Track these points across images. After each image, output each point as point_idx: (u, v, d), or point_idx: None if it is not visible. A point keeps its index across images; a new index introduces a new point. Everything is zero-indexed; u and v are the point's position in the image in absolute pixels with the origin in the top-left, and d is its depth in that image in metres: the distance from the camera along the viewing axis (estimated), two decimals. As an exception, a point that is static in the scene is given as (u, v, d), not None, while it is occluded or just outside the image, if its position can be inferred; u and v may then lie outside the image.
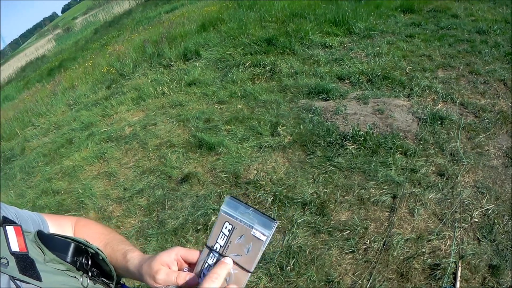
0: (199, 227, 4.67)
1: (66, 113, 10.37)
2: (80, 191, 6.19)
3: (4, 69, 45.26)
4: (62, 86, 13.55)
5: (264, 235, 1.04)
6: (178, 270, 1.17)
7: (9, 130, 10.93)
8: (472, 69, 6.44)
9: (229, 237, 1.08)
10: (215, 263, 1.09)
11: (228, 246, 1.08)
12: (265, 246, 1.05)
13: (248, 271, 1.07)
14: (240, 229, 1.06)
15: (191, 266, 1.16)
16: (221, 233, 1.09)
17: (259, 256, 1.05)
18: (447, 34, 7.88)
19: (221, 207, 1.10)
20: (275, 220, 1.04)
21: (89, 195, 5.99)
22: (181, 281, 1.12)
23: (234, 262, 1.07)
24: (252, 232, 1.05)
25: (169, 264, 1.16)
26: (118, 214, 5.48)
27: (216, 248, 1.09)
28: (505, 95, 5.71)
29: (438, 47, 7.45)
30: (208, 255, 1.11)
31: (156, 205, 5.38)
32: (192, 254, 1.15)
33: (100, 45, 20.65)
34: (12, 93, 21.89)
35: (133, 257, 1.30)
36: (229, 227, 1.08)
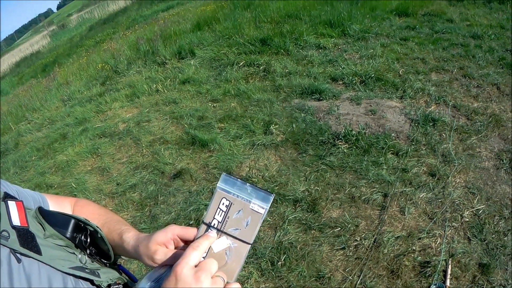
0: (191, 222, 4.68)
1: (60, 108, 10.35)
2: (73, 185, 6.18)
3: (-2, 64, 45.09)
4: (56, 82, 13.55)
5: (263, 208, 1.07)
6: (175, 248, 1.18)
7: (3, 125, 10.88)
8: (466, 72, 6.50)
9: (227, 213, 1.10)
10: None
11: (226, 221, 1.10)
12: (263, 219, 1.07)
13: (248, 243, 1.09)
14: (238, 204, 1.09)
15: (187, 244, 1.15)
16: (218, 209, 1.11)
17: (257, 229, 1.08)
18: (442, 38, 7.95)
19: (217, 184, 1.12)
20: (272, 193, 1.07)
21: (82, 190, 5.98)
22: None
23: (233, 236, 1.09)
24: (250, 206, 1.08)
25: (166, 243, 1.17)
26: (110, 208, 5.46)
27: (214, 224, 1.11)
28: (498, 99, 5.77)
29: (432, 50, 7.51)
30: (206, 231, 1.13)
31: (148, 200, 5.39)
32: (189, 232, 1.16)
33: (95, 42, 20.65)
34: (6, 88, 21.82)
35: (129, 237, 1.30)
36: (226, 203, 1.10)
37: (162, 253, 1.15)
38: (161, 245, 1.17)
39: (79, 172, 6.57)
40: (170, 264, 1.13)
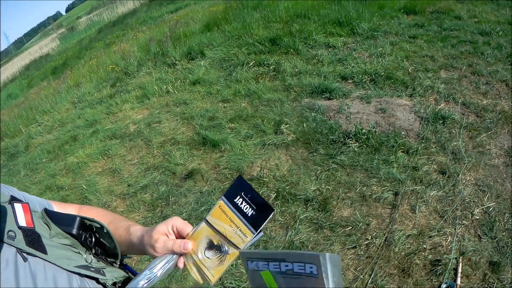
0: (202, 223, 4.70)
1: (71, 110, 10.40)
2: (84, 187, 6.22)
3: (8, 67, 45.22)
4: (66, 84, 13.57)
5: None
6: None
7: (13, 127, 10.92)
8: (475, 70, 6.49)
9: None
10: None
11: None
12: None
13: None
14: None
15: (184, 239, 1.24)
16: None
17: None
18: (450, 35, 7.94)
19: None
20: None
21: (93, 191, 6.03)
22: (176, 248, 1.20)
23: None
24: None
25: (167, 233, 1.24)
26: (122, 209, 5.52)
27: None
28: (507, 96, 5.76)
29: (441, 48, 7.50)
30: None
31: (160, 200, 5.42)
32: (187, 229, 1.24)
33: (105, 44, 20.62)
34: (16, 91, 21.90)
35: (136, 229, 1.36)
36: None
37: (162, 242, 1.22)
38: (163, 234, 1.24)
39: (90, 173, 6.61)
40: (168, 253, 1.20)
